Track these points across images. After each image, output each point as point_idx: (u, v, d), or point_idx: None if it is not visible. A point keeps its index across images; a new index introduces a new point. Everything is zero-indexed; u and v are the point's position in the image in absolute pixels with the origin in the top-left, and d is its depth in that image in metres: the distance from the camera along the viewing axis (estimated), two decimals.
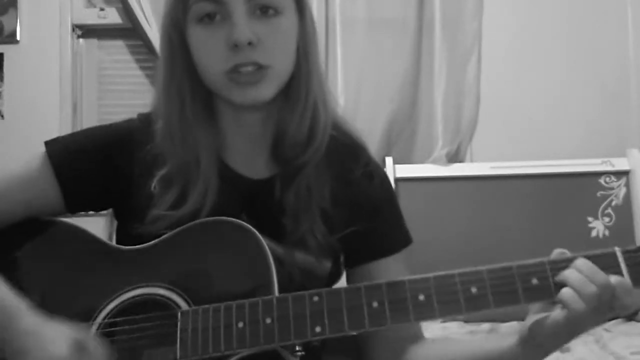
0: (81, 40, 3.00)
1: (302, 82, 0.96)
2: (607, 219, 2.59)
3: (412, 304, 0.81)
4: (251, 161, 1.01)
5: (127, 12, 2.81)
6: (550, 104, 2.81)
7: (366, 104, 2.80)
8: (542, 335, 0.84)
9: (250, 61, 0.89)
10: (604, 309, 0.80)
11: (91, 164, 0.99)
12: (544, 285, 0.81)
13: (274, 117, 0.99)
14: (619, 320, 2.24)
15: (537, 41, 2.83)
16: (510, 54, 2.82)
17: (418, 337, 1.03)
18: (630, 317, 2.26)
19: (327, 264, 0.97)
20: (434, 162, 2.73)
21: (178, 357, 0.83)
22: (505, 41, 2.82)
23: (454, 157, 2.75)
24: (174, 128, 0.96)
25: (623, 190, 2.63)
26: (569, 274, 0.80)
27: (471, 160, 2.81)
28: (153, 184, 0.95)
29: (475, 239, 2.57)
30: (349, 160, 1.03)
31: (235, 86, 0.91)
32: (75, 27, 2.95)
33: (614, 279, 0.79)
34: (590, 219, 2.59)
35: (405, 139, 2.81)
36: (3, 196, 0.97)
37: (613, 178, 2.64)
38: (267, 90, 0.92)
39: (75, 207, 1.01)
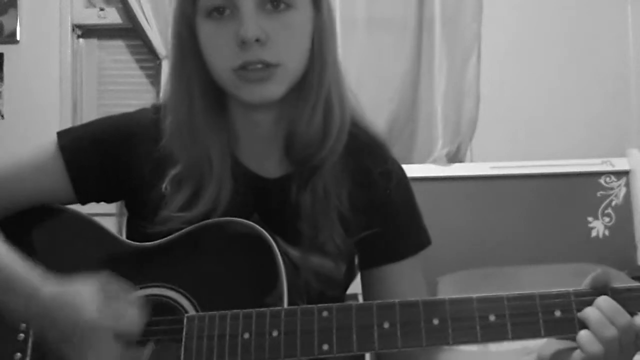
0: (81, 40, 3.00)
1: (314, 79, 0.92)
2: (607, 219, 2.59)
3: (425, 328, 0.77)
4: (264, 160, 0.98)
5: (127, 12, 2.81)
6: (550, 104, 2.81)
7: (366, 104, 2.79)
8: None
9: (258, 60, 0.86)
10: (627, 350, 0.76)
11: (102, 158, 0.97)
12: (567, 319, 0.76)
13: (287, 116, 0.96)
14: None
15: (537, 41, 2.83)
16: (510, 54, 2.82)
17: (432, 348, 1.00)
18: None
19: (343, 267, 0.96)
20: (434, 162, 2.73)
21: None
22: (505, 41, 2.82)
23: (454, 157, 2.75)
24: (182, 125, 0.93)
25: (623, 190, 2.63)
26: (589, 313, 0.75)
27: (471, 160, 2.80)
28: (164, 185, 0.93)
29: (475, 239, 2.57)
30: (367, 160, 1.00)
31: (243, 84, 0.88)
32: (75, 27, 2.95)
33: None
34: (590, 219, 2.59)
35: (405, 139, 2.81)
36: (13, 183, 0.97)
37: (613, 178, 2.64)
38: (276, 88, 0.89)
39: (86, 198, 1.00)
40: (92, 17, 2.95)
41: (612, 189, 2.63)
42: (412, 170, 2.70)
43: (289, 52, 0.88)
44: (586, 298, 0.77)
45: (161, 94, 1.01)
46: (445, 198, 2.68)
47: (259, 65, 0.86)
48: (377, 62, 2.81)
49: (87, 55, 3.01)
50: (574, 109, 2.80)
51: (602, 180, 2.64)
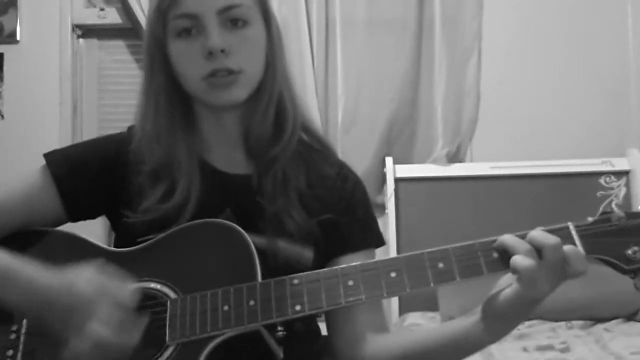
0: (81, 40, 3.01)
1: (268, 83, 1.06)
2: None
3: (385, 280, 0.87)
4: (231, 159, 1.07)
5: (127, 12, 2.81)
6: (550, 104, 2.81)
7: (366, 104, 2.81)
8: (503, 307, 0.87)
9: (224, 67, 0.99)
10: (555, 270, 0.84)
11: (90, 173, 1.04)
12: (504, 258, 0.85)
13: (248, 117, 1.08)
14: (619, 320, 2.24)
15: (537, 41, 2.83)
16: (510, 54, 2.83)
17: (382, 327, 1.07)
18: (630, 317, 2.26)
19: (309, 253, 1.01)
20: (434, 162, 2.73)
21: (167, 340, 0.89)
22: (505, 41, 2.83)
23: (454, 157, 2.75)
24: (150, 132, 1.04)
25: (623, 190, 2.63)
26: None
27: (471, 160, 2.81)
28: (140, 179, 1.02)
29: (475, 239, 2.56)
30: (322, 162, 1.11)
31: (212, 90, 1.01)
32: (75, 27, 2.95)
33: (566, 247, 0.84)
34: (590, 219, 2.58)
35: (405, 139, 2.81)
36: (5, 210, 1.01)
37: (613, 178, 2.64)
38: (240, 92, 1.02)
39: (76, 215, 1.06)
40: (92, 17, 2.96)
41: (612, 189, 2.64)
42: (412, 170, 2.75)
43: (248, 61, 1.02)
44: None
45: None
46: (445, 198, 2.68)
47: (225, 72, 1.00)
48: (377, 62, 2.82)
49: (87, 55, 3.02)
50: (574, 109, 2.81)
51: (602, 180, 2.64)
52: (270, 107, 1.06)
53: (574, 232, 0.88)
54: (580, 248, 0.86)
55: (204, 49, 0.98)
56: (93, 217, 1.08)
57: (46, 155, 1.05)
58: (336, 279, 0.88)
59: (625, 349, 1.88)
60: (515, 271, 0.84)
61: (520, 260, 0.83)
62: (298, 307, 0.87)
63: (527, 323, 2.18)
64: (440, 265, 0.87)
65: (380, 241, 1.12)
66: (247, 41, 1.01)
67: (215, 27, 0.99)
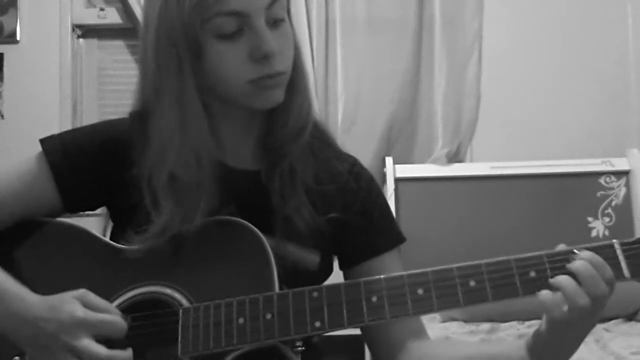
0: (81, 40, 3.01)
1: (300, 80, 1.00)
2: (607, 219, 2.59)
3: (411, 298, 0.82)
4: (239, 154, 1.02)
5: (127, 12, 2.81)
6: (550, 104, 2.82)
7: (366, 104, 2.81)
8: (542, 343, 0.84)
9: (276, 71, 0.93)
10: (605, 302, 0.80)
11: (87, 161, 0.98)
12: (542, 278, 0.81)
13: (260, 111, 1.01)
14: (619, 320, 2.24)
15: (537, 41, 2.83)
16: (510, 54, 2.83)
17: (420, 333, 1.02)
18: (630, 317, 2.26)
19: (316, 257, 0.97)
20: (434, 162, 2.73)
21: (179, 353, 0.84)
22: (505, 41, 2.83)
23: (454, 157, 2.75)
24: (189, 142, 0.94)
25: (623, 190, 2.63)
26: (579, 266, 0.79)
27: (471, 160, 2.81)
28: (147, 199, 0.93)
29: (475, 239, 2.57)
30: (333, 158, 1.06)
31: (258, 93, 0.94)
32: (75, 27, 2.95)
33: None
34: (590, 219, 2.59)
35: (405, 139, 2.81)
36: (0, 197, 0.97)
37: (613, 178, 2.64)
38: (283, 93, 0.96)
39: (73, 205, 1.01)
40: (92, 17, 2.96)
41: (612, 189, 2.64)
42: (412, 170, 2.75)
43: (290, 60, 0.96)
44: (557, 257, 0.82)
45: (140, 100, 1.01)
46: (445, 198, 2.68)
47: (274, 75, 0.93)
48: (377, 62, 2.82)
49: (87, 55, 3.02)
50: (573, 109, 2.81)
51: (602, 180, 2.64)
52: (306, 101, 1.00)
53: (619, 252, 0.82)
54: (625, 271, 0.80)
55: (257, 51, 0.90)
56: (92, 209, 1.03)
57: (43, 142, 0.99)
58: (359, 294, 0.83)
59: (626, 349, 1.88)
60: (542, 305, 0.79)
61: (577, 296, 0.77)
62: (318, 324, 0.82)
63: (527, 323, 2.18)
64: (472, 283, 0.81)
65: (401, 238, 1.06)
66: (287, 40, 0.94)
67: (266, 28, 0.90)
